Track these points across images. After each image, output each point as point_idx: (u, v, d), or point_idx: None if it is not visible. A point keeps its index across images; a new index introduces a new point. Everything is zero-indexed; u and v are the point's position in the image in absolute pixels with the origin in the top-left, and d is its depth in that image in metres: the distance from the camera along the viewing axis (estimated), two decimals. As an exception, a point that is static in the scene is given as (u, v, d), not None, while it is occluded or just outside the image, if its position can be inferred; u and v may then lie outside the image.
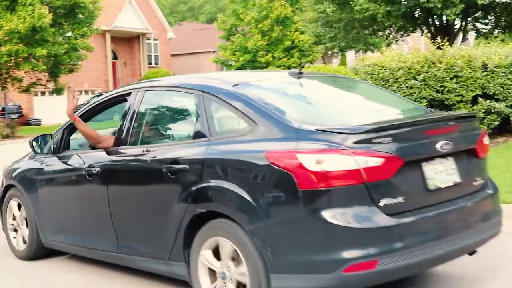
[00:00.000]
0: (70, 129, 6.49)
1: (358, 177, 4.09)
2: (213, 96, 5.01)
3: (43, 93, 41.29)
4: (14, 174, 7.10)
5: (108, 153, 5.78)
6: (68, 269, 6.61)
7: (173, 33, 56.88)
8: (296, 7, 46.99)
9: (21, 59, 32.22)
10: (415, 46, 15.54)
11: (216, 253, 4.74)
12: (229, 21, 51.15)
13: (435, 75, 12.46)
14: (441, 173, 4.59)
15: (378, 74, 12.84)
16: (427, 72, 12.53)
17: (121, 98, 6.04)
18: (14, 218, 7.23)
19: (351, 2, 28.18)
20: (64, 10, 32.81)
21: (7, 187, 7.23)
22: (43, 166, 6.63)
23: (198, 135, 5.03)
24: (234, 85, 5.06)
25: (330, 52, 46.12)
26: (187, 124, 5.43)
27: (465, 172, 4.80)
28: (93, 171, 5.81)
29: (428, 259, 4.31)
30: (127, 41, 50.55)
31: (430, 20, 29.28)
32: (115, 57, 49.82)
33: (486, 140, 5.10)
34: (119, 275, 6.10)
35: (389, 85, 12.63)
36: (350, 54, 51.55)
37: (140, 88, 5.84)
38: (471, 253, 5.06)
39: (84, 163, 6.02)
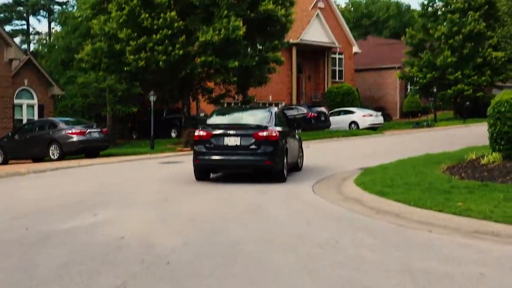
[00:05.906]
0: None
1: (201, 137, 15.44)
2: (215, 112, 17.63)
3: (229, 105, 41.92)
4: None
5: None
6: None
7: (358, 47, 56.10)
8: (491, 21, 44.51)
9: (213, 71, 32.91)
10: None
11: None
12: (417, 36, 49.44)
13: None
14: (231, 141, 15.06)
15: None
16: None
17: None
18: None
19: None
20: (258, 23, 33.02)
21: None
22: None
23: None
24: (215, 111, 17.75)
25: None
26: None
27: (245, 142, 14.97)
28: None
29: (219, 164, 15.60)
30: (313, 54, 50.61)
31: None
32: (299, 70, 50.01)
33: (264, 134, 14.90)
34: None
35: None
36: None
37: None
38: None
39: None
